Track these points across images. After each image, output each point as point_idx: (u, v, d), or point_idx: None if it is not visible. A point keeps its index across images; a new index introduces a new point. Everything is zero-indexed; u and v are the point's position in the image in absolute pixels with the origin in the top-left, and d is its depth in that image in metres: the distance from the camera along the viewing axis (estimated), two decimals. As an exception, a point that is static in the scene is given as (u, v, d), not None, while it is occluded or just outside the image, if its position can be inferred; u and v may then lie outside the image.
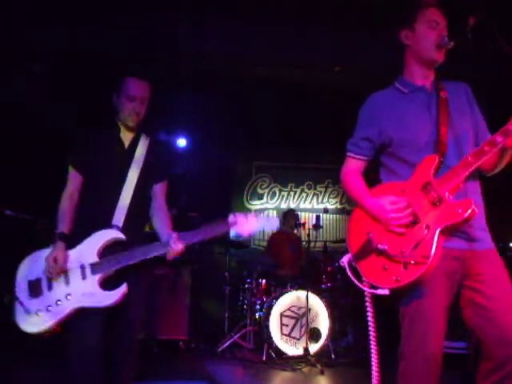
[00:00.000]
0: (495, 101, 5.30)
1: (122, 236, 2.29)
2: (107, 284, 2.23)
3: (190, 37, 5.06)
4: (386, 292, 1.80)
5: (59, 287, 2.25)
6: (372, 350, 1.94)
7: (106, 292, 2.21)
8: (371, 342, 1.93)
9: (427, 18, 1.95)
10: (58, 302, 2.21)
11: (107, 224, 2.31)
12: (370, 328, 1.94)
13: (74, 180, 2.42)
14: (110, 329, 2.24)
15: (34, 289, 2.27)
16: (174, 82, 5.65)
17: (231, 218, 2.24)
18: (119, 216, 2.32)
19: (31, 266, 2.32)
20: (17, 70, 4.87)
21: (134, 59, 4.97)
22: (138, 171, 2.41)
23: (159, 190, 2.52)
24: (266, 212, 1.97)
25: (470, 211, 1.71)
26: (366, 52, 5.09)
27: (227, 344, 4.85)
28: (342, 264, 1.92)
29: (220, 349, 4.81)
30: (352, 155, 2.09)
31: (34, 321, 2.21)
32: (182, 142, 6.84)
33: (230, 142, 6.69)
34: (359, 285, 1.88)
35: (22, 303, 2.24)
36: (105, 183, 2.39)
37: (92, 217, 2.34)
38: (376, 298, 1.90)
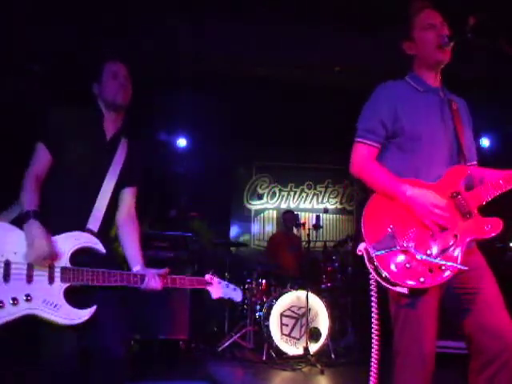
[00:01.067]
0: (495, 101, 5.32)
1: (101, 249, 1.98)
2: (73, 297, 1.89)
3: (190, 37, 5.07)
4: (404, 291, 1.74)
5: (18, 282, 1.82)
6: (373, 341, 1.87)
7: (73, 309, 1.86)
8: (374, 333, 1.86)
9: (422, 22, 1.96)
10: (14, 301, 1.79)
11: (81, 226, 1.99)
12: (373, 319, 1.87)
13: (42, 159, 2.03)
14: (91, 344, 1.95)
15: None
16: (173, 81, 5.66)
17: (208, 277, 2.27)
18: (95, 219, 2.02)
19: None
20: (17, 70, 4.87)
21: (134, 59, 4.97)
22: (118, 171, 2.13)
23: (131, 195, 2.23)
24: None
25: (498, 231, 1.79)
26: (366, 52, 5.09)
27: (227, 344, 4.85)
28: (359, 253, 1.81)
29: (220, 349, 4.80)
30: (367, 142, 1.95)
31: None
32: (182, 142, 6.86)
33: (230, 141, 6.70)
34: (377, 278, 1.76)
35: None
36: (82, 178, 2.05)
37: (65, 213, 2.00)
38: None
